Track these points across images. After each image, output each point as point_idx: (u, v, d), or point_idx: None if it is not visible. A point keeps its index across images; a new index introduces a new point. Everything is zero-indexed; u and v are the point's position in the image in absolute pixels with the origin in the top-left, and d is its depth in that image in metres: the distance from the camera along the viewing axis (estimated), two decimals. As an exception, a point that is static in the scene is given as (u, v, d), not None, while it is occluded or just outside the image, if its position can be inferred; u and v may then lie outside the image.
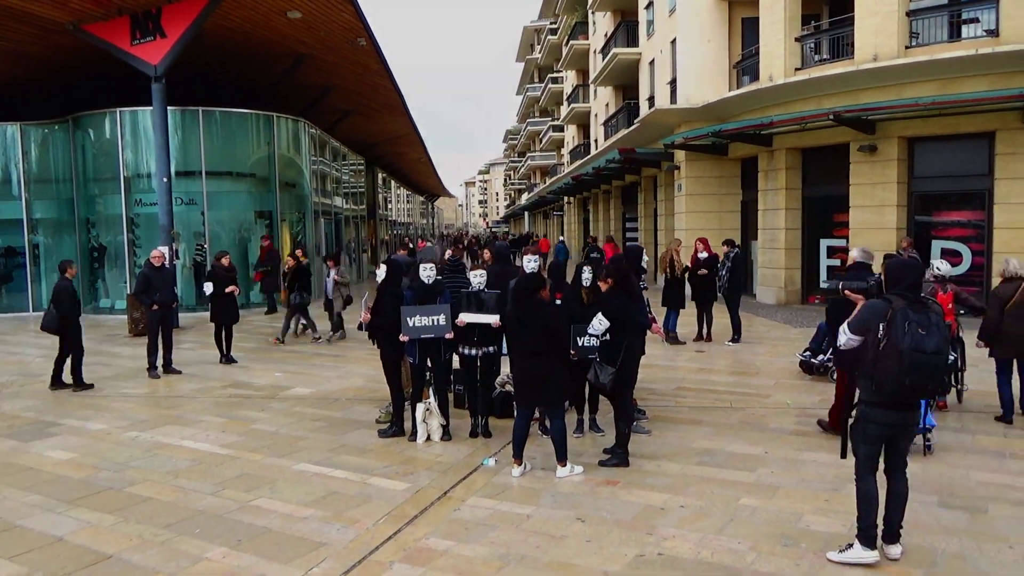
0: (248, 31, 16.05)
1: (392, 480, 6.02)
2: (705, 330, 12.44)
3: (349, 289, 13.50)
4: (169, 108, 15.43)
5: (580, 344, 6.59)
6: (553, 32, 48.20)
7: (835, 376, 7.59)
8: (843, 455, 4.53)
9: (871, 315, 4.35)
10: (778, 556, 4.53)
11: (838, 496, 5.40)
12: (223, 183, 18.50)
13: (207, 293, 11.36)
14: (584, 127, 41.74)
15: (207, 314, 12.23)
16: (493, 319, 6.84)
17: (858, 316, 4.47)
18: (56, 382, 9.73)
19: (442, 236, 66.62)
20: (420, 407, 6.99)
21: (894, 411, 4.29)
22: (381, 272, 7.43)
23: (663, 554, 4.60)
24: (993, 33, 13.36)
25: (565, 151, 49.05)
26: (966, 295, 7.88)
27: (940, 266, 7.73)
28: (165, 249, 12.90)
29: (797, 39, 16.48)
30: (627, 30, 26.83)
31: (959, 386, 7.89)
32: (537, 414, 6.92)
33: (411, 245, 19.58)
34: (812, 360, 9.50)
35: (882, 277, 4.65)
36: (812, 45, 16.73)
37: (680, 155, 20.34)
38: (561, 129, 50.10)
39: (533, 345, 5.94)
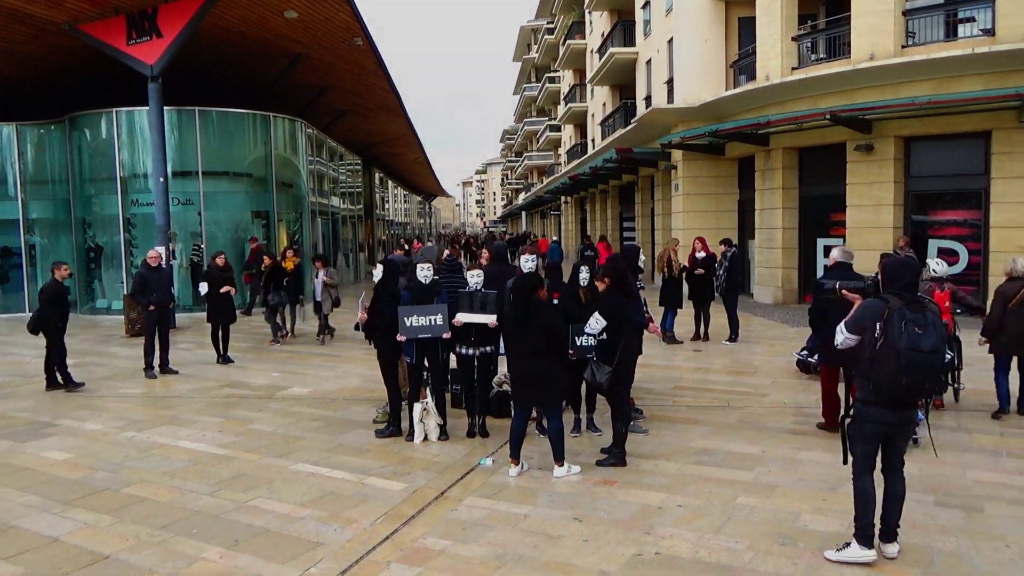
0: (244, 31, 16.02)
1: (389, 480, 6.01)
2: (702, 329, 12.45)
3: (339, 291, 13.33)
4: (165, 108, 15.41)
5: (578, 344, 6.59)
6: (550, 32, 48.22)
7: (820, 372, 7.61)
8: (845, 461, 4.50)
9: (868, 314, 4.35)
10: (776, 555, 4.53)
11: (835, 495, 5.41)
12: (220, 183, 18.47)
13: (202, 293, 11.34)
14: (581, 127, 41.73)
15: (204, 314, 12.21)
16: (490, 319, 6.84)
17: (855, 315, 4.47)
18: (51, 383, 9.71)
19: (439, 236, 66.54)
20: (417, 407, 6.98)
21: (891, 410, 4.30)
22: (378, 272, 7.43)
23: (660, 553, 4.60)
24: (989, 32, 13.38)
25: (562, 151, 49.05)
26: (963, 294, 7.89)
27: (936, 267, 7.74)
28: (162, 249, 12.87)
29: (794, 39, 16.51)
30: (624, 30, 26.84)
31: (956, 385, 7.90)
32: (534, 414, 6.92)
33: (407, 246, 19.54)
34: (809, 359, 9.50)
35: (878, 276, 4.65)
36: (809, 45, 16.76)
37: (677, 155, 20.35)
38: (558, 129, 50.07)
39: (531, 345, 5.93)
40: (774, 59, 16.46)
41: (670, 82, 21.33)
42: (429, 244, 28.56)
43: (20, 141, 18.54)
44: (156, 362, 10.57)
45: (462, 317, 6.91)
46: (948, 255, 13.84)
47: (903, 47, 14.29)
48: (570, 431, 7.02)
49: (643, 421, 7.45)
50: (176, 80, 15.95)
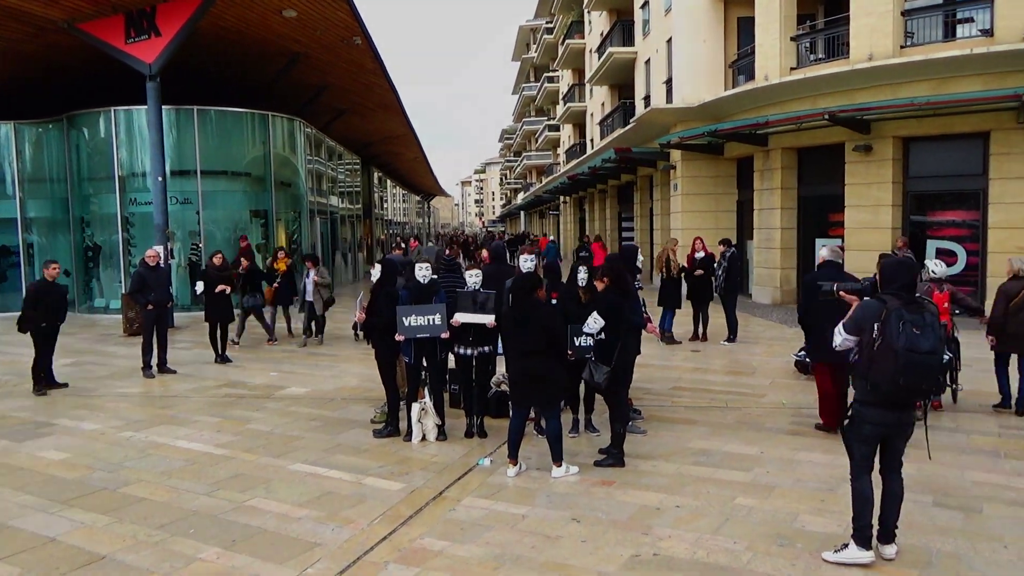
0: (243, 30, 16.00)
1: (387, 480, 6.01)
2: (701, 330, 12.45)
3: (331, 291, 13.09)
4: (164, 107, 15.37)
5: (577, 344, 6.58)
6: (549, 31, 48.23)
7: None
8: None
9: (866, 315, 4.35)
10: (774, 556, 4.53)
11: (834, 496, 5.41)
12: (218, 182, 18.44)
13: (198, 292, 11.34)
14: (580, 126, 41.74)
15: (202, 314, 12.19)
16: (489, 319, 6.83)
17: (853, 316, 4.47)
18: (50, 383, 9.69)
19: (438, 236, 66.49)
20: (415, 407, 6.97)
21: (889, 411, 4.29)
22: (376, 272, 7.42)
23: (659, 554, 4.59)
24: (988, 33, 13.39)
25: (561, 150, 49.05)
26: (963, 295, 7.92)
27: (934, 268, 7.74)
28: (160, 248, 12.84)
29: (792, 39, 16.51)
30: (623, 29, 26.87)
31: (954, 386, 7.91)
32: (533, 414, 6.91)
33: (404, 245, 19.52)
34: (807, 360, 9.50)
35: (876, 277, 4.65)
36: (807, 45, 16.77)
37: (676, 155, 20.35)
38: (557, 128, 50.07)
39: (530, 344, 5.92)
40: (773, 59, 16.46)
41: (669, 82, 21.33)
42: (430, 244, 28.55)
43: (18, 140, 18.50)
44: (154, 361, 10.55)
45: (460, 317, 6.90)
46: (947, 256, 13.82)
47: (902, 47, 14.29)
48: (568, 431, 7.01)
49: (641, 421, 7.45)
50: (174, 79, 15.93)
